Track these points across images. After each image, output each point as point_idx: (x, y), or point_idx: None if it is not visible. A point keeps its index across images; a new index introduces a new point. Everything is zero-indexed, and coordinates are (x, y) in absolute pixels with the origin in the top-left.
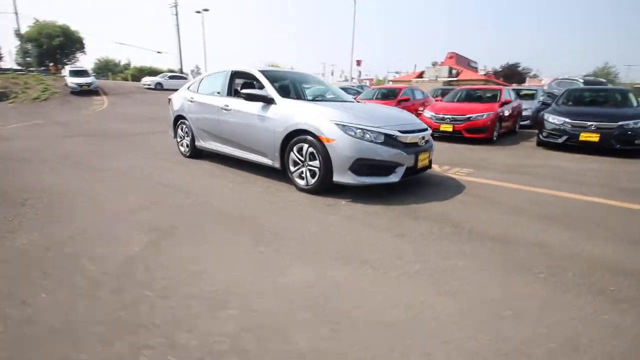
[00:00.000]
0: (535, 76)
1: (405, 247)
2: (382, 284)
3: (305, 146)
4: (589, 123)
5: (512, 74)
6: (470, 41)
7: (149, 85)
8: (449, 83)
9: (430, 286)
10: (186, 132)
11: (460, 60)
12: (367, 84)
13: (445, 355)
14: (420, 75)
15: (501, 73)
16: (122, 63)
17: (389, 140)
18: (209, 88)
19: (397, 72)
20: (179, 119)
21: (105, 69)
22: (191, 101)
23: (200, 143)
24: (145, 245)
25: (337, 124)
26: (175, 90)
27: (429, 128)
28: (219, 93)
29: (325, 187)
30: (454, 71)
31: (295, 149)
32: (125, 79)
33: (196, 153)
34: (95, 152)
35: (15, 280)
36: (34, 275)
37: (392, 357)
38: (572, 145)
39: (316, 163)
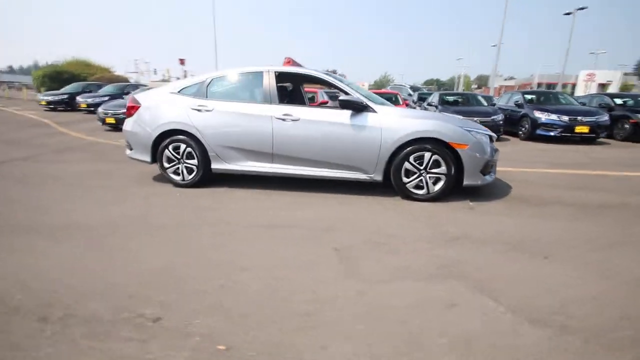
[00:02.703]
0: None
1: (592, 229)
2: None
3: (427, 154)
4: (475, 118)
5: None
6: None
7: None
8: None
9: None
10: (188, 154)
11: (296, 65)
12: None
13: None
14: None
15: None
16: None
17: (491, 141)
18: (231, 93)
19: None
20: (168, 135)
21: None
22: (201, 110)
23: (225, 165)
24: (459, 297)
25: (465, 130)
26: None
27: None
28: (260, 99)
29: (447, 192)
30: None
31: (412, 158)
32: None
33: (203, 180)
34: (21, 204)
35: None
36: None
37: None
38: None
39: (440, 170)
